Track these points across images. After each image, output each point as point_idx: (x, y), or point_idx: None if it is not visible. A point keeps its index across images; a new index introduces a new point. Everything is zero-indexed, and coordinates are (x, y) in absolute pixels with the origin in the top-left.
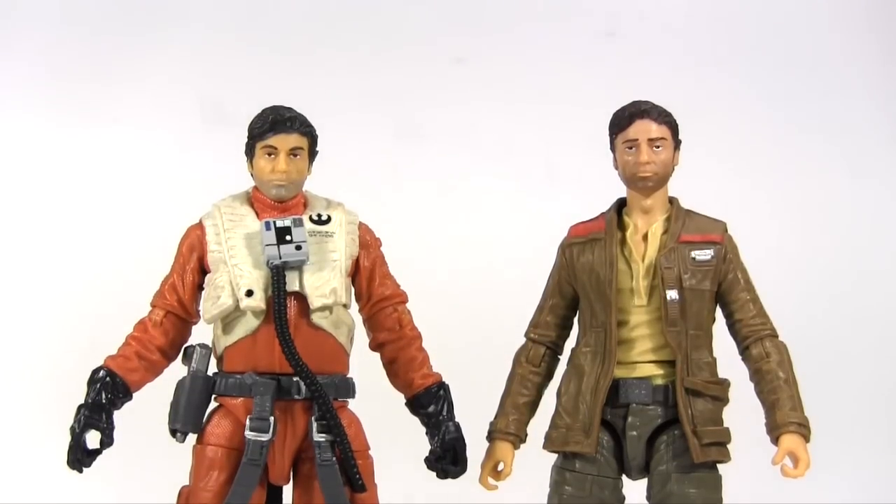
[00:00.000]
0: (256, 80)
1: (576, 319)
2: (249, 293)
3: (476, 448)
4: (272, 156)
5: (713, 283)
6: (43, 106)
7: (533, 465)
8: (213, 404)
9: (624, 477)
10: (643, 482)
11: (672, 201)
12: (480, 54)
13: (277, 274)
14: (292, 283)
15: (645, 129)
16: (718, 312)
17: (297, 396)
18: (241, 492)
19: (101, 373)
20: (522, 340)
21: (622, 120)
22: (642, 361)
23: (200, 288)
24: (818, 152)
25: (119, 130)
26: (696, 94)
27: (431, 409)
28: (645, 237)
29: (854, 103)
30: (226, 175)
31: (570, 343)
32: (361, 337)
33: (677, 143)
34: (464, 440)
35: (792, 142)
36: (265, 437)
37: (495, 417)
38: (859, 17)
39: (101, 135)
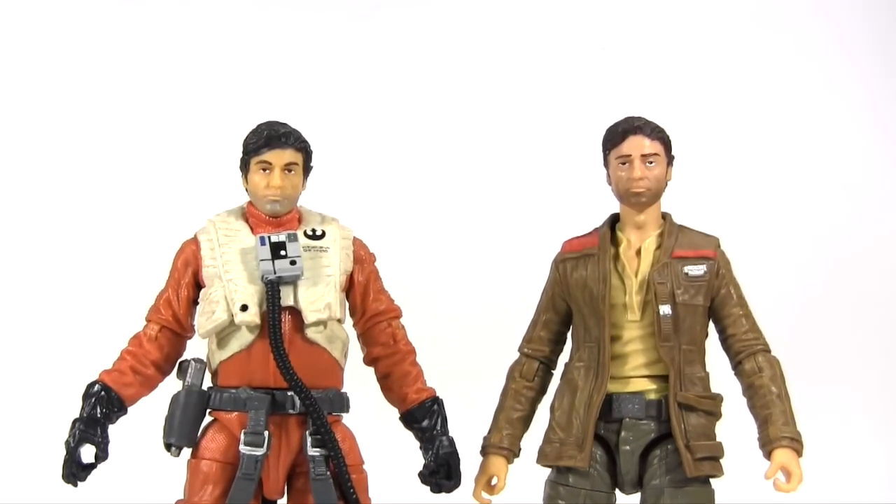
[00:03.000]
0: (254, 92)
1: (569, 334)
2: (244, 308)
3: (470, 462)
4: (267, 171)
5: (706, 298)
6: (41, 107)
7: (526, 479)
8: (207, 419)
9: (617, 491)
10: (636, 496)
11: (665, 217)
12: (474, 68)
13: (272, 289)
14: (287, 298)
15: (638, 144)
16: (711, 327)
17: (291, 411)
18: None
19: (96, 387)
20: (516, 355)
21: (615, 136)
22: (635, 376)
23: (195, 302)
24: (813, 167)
25: (116, 137)
26: (690, 109)
27: (425, 423)
28: (638, 252)
29: (850, 116)
30: (223, 189)
31: (564, 358)
32: (356, 352)
33: (670, 159)
34: (458, 454)
35: (787, 156)
36: (260, 452)
37: (489, 432)
38: (856, 29)
39: (98, 142)
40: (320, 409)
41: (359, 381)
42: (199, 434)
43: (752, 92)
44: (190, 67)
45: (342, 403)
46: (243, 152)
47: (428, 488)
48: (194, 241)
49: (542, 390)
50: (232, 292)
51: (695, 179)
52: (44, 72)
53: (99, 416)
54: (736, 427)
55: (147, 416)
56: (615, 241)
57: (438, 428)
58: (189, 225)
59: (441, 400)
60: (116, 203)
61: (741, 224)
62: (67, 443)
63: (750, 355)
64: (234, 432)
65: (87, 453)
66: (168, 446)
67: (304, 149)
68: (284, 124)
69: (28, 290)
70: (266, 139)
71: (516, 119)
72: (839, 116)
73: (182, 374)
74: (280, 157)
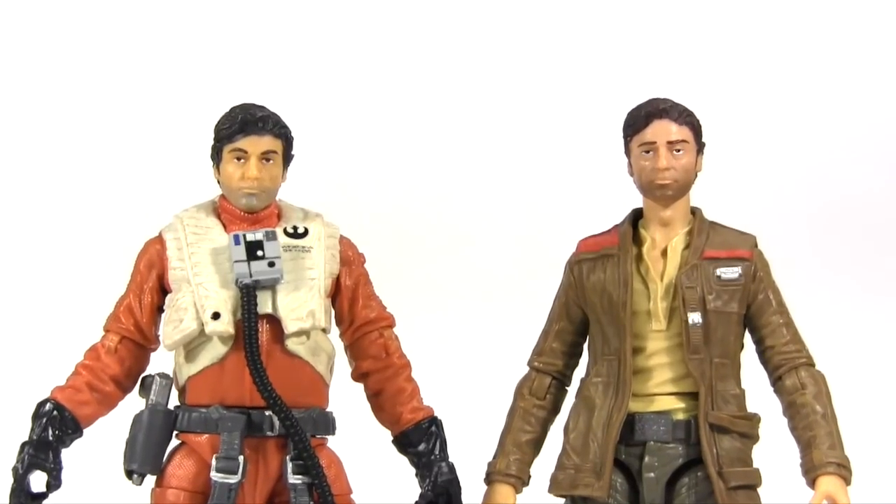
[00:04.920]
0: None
1: (585, 346)
2: (216, 316)
3: (473, 492)
4: (241, 160)
5: (741, 304)
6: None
7: None
8: (174, 442)
9: None
10: None
11: (694, 212)
12: (476, 50)
13: (248, 294)
14: (264, 305)
15: (664, 130)
16: (747, 338)
17: (269, 433)
18: None
19: (48, 406)
20: (525, 370)
21: (638, 120)
22: (661, 394)
23: (160, 310)
24: (854, 156)
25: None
26: (722, 91)
27: (422, 447)
28: (664, 253)
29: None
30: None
31: (580, 373)
32: (343, 366)
33: (700, 147)
34: (459, 482)
35: (827, 144)
36: (233, 479)
37: (494, 457)
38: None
39: (50, 130)
40: (302, 430)
41: (346, 400)
42: (164, 459)
43: (789, 73)
44: (151, 46)
45: (327, 425)
46: (215, 139)
47: None
48: (159, 239)
49: (555, 410)
50: (202, 298)
51: (729, 170)
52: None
53: (51, 438)
54: (775, 451)
55: (105, 438)
56: (638, 240)
57: (437, 452)
58: (153, 222)
59: (440, 420)
60: (71, 198)
61: (780, 221)
62: (15, 469)
63: (791, 369)
64: (204, 457)
65: (38, 481)
66: (129, 473)
67: (284, 135)
68: (262, 107)
69: None
70: (241, 124)
71: (522, 101)
72: (881, 101)
73: (145, 391)
74: (257, 144)
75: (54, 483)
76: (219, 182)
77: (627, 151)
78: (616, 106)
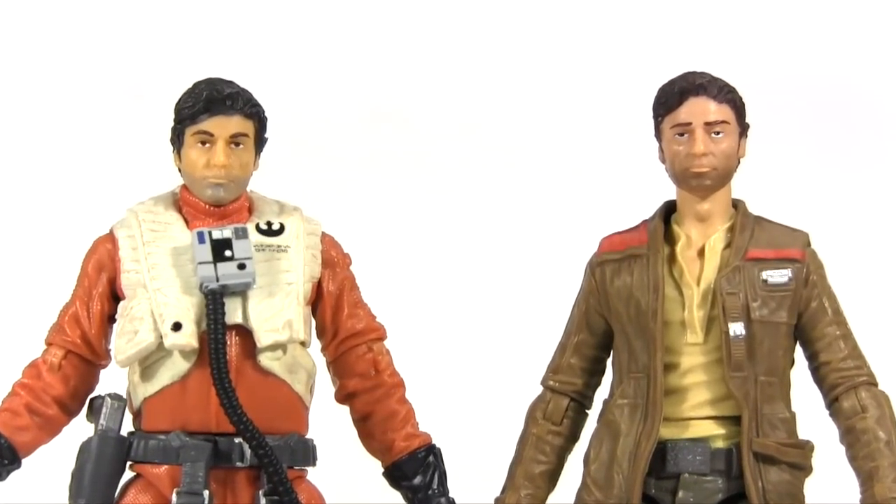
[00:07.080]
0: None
1: (609, 362)
2: (177, 327)
3: None
4: (207, 145)
5: (791, 313)
6: None
7: None
8: (128, 474)
9: None
10: None
11: (737, 206)
12: (496, 40)
13: (214, 301)
14: (234, 314)
15: (701, 109)
16: (798, 353)
17: (239, 463)
18: None
19: None
20: (538, 390)
21: (671, 98)
22: (697, 418)
23: (112, 320)
24: None
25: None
26: (767, 67)
27: (417, 480)
28: (701, 253)
29: None
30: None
31: (602, 393)
32: (325, 384)
33: (743, 129)
34: None
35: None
36: None
37: (503, 492)
38: None
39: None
40: (278, 461)
41: (329, 425)
42: (116, 495)
43: (847, 50)
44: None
45: (307, 454)
46: (175, 120)
47: None
48: (110, 237)
49: (574, 436)
50: (161, 306)
51: (778, 156)
52: None
53: None
54: (831, 485)
55: (48, 470)
56: (670, 238)
57: (435, 486)
58: (103, 217)
59: (438, 449)
60: (6, 189)
61: (837, 216)
62: None
63: (850, 389)
64: (163, 492)
65: None
66: None
67: (257, 115)
68: (230, 83)
69: None
70: (206, 102)
71: (538, 80)
72: None
73: (94, 414)
74: (224, 125)
75: None
76: (180, 170)
77: (658, 134)
78: (642, 83)
